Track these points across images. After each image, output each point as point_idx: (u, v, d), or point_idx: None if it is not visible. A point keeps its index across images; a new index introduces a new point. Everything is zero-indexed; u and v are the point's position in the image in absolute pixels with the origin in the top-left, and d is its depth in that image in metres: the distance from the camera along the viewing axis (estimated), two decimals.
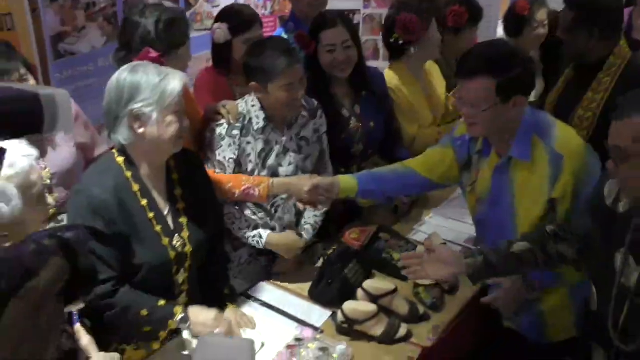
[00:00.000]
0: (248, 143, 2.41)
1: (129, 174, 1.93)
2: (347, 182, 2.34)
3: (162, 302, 1.95)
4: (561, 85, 2.87)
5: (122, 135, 1.89)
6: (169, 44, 2.28)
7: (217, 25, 2.78)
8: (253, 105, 2.43)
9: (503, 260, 1.96)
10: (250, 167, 2.42)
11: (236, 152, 2.39)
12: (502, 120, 2.01)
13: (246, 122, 2.41)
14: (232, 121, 2.39)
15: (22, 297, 0.57)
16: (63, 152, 2.39)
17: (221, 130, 2.40)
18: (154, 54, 2.15)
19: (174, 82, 1.88)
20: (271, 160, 2.45)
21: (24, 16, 2.85)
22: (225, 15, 2.84)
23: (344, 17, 2.84)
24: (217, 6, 4.03)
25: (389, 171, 2.41)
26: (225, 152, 2.39)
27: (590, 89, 2.65)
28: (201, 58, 3.72)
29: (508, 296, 2.16)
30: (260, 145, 2.43)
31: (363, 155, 2.88)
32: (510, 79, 1.96)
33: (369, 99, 2.87)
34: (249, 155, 2.41)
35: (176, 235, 1.99)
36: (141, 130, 1.87)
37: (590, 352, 1.79)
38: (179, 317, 1.93)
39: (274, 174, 2.45)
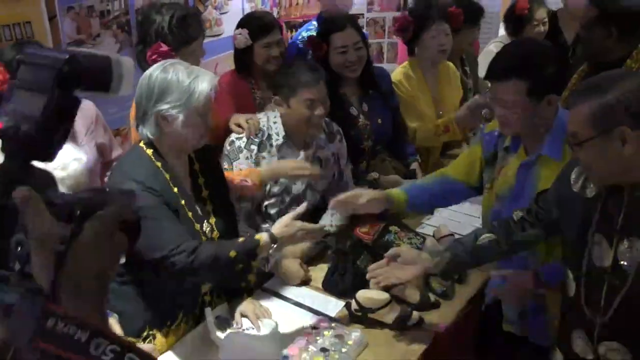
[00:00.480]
0: (263, 158, 2.52)
1: (158, 164, 2.00)
2: (398, 195, 2.33)
3: (241, 239, 2.02)
4: (574, 82, 2.86)
5: (149, 131, 1.97)
6: (181, 39, 2.45)
7: (237, 30, 2.92)
8: (275, 122, 2.54)
9: (469, 254, 2.01)
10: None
11: (252, 165, 2.50)
12: (535, 119, 2.02)
13: (264, 137, 2.52)
14: (251, 135, 2.50)
15: (92, 221, 0.66)
16: (85, 151, 2.48)
17: (240, 143, 2.51)
18: (164, 47, 2.28)
19: (203, 84, 1.94)
20: (284, 178, 2.55)
21: (43, 24, 2.95)
22: (246, 21, 2.99)
23: (353, 20, 2.97)
24: (225, 13, 4.13)
25: (431, 182, 2.41)
26: (241, 164, 2.50)
27: None
28: (210, 64, 3.82)
29: (515, 289, 2.14)
30: (274, 162, 2.53)
31: (372, 151, 2.99)
32: (541, 80, 1.96)
33: (376, 97, 2.99)
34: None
35: (205, 221, 2.07)
36: (168, 129, 1.95)
37: (571, 339, 1.81)
38: (264, 241, 1.99)
39: (287, 190, 2.57)
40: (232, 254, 1.94)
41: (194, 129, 1.97)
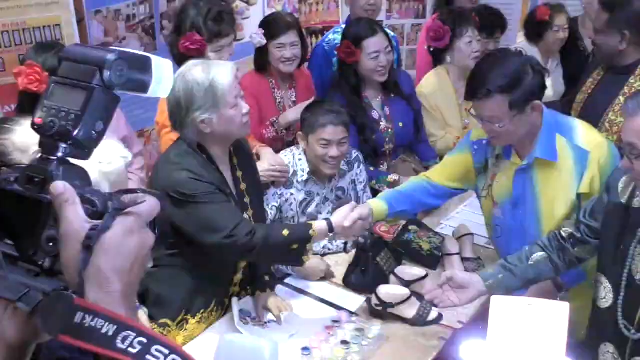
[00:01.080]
0: (291, 194, 2.59)
1: (202, 157, 2.05)
2: (378, 206, 2.30)
3: (294, 224, 2.11)
4: (589, 87, 2.86)
5: (190, 135, 2.02)
6: (214, 33, 2.59)
7: (254, 30, 3.00)
8: (300, 159, 2.62)
9: (524, 274, 1.98)
10: (290, 214, 2.60)
11: (279, 201, 2.58)
12: (523, 128, 2.03)
13: (291, 174, 2.60)
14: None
15: (123, 217, 0.67)
16: None
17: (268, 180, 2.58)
18: (198, 37, 2.48)
19: (223, 75, 1.98)
20: (311, 209, 2.62)
21: (71, 27, 3.03)
22: (264, 21, 3.12)
23: (380, 25, 3.04)
24: (247, 18, 4.21)
25: (412, 188, 2.40)
26: (269, 200, 2.56)
27: (622, 93, 2.63)
28: None
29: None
30: (301, 196, 2.60)
31: (393, 154, 3.04)
32: (520, 90, 1.96)
33: (397, 101, 3.04)
34: (290, 204, 2.59)
35: (245, 212, 2.13)
36: (207, 131, 2.00)
37: (598, 352, 1.80)
38: (320, 228, 2.04)
39: (303, 211, 2.62)
40: (285, 232, 2.01)
41: (232, 121, 2.01)
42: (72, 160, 0.72)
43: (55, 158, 0.69)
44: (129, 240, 0.67)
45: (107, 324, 0.61)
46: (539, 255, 1.98)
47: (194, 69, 2.00)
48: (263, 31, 2.96)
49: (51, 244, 0.64)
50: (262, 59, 3.02)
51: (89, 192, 0.69)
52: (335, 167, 2.59)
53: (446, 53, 3.21)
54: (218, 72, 1.98)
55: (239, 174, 2.19)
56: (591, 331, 1.89)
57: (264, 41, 2.95)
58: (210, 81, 1.96)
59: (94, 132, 0.71)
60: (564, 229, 1.98)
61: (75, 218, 0.65)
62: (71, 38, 3.05)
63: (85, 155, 0.72)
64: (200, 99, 1.95)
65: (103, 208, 0.67)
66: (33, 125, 0.70)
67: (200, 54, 2.55)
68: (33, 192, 0.67)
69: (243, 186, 2.19)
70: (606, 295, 1.77)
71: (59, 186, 0.66)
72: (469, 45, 3.15)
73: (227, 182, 2.09)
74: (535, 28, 3.78)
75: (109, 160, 1.55)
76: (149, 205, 0.70)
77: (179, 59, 2.52)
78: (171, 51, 2.70)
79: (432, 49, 3.28)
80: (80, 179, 0.71)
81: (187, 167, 1.96)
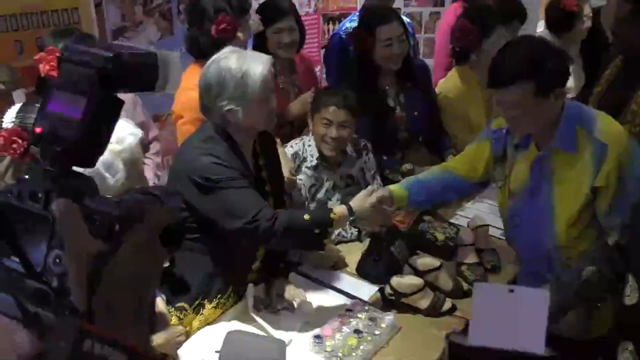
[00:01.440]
0: (300, 179, 2.59)
1: (227, 143, 2.05)
2: (399, 192, 2.29)
3: (314, 209, 2.13)
4: (608, 79, 2.83)
5: (216, 121, 2.03)
6: (240, 9, 2.57)
7: (252, 16, 2.96)
8: (309, 146, 2.62)
9: (577, 293, 1.94)
10: (300, 199, 2.59)
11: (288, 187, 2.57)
12: (545, 116, 2.01)
13: (300, 160, 2.61)
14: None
15: (131, 235, 0.63)
16: None
17: None
18: (229, 17, 2.46)
19: (256, 68, 1.96)
20: (320, 195, 2.62)
21: (89, 11, 3.04)
22: (260, 7, 3.05)
23: (396, 12, 3.00)
24: None
25: (431, 178, 2.38)
26: None
27: None
28: None
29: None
30: (311, 182, 2.61)
31: (407, 143, 3.01)
32: (546, 76, 1.94)
33: (413, 89, 3.00)
34: (300, 190, 2.59)
35: (265, 200, 2.11)
36: (233, 120, 2.01)
37: (617, 350, 1.78)
38: (341, 212, 2.05)
39: (312, 197, 2.62)
40: (307, 216, 2.02)
41: (258, 116, 2.02)
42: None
43: (58, 169, 0.65)
44: (138, 260, 0.63)
45: (115, 352, 0.58)
46: (589, 270, 1.94)
47: (230, 57, 1.99)
48: (260, 17, 2.93)
49: (58, 261, 0.60)
50: (260, 45, 2.97)
51: (96, 205, 0.64)
52: (334, 149, 2.58)
53: (471, 52, 3.05)
54: (252, 64, 1.97)
55: (262, 161, 2.20)
56: (613, 328, 1.88)
57: (261, 27, 2.92)
58: (243, 72, 1.96)
59: (96, 139, 0.67)
60: (610, 237, 1.94)
61: (78, 239, 0.61)
62: (89, 22, 3.06)
63: (90, 163, 0.68)
64: (230, 88, 1.95)
65: (109, 226, 0.63)
66: (33, 135, 0.66)
67: (233, 35, 2.54)
68: (37, 208, 0.62)
69: (265, 174, 2.19)
70: (631, 293, 1.75)
71: (61, 205, 0.61)
72: (497, 44, 3.04)
73: (249, 169, 2.10)
74: (564, 19, 3.67)
75: (119, 138, 1.56)
76: (159, 214, 0.66)
77: (209, 47, 2.43)
78: (191, 47, 2.65)
79: (457, 49, 3.13)
80: (86, 190, 0.66)
81: (211, 152, 1.97)
